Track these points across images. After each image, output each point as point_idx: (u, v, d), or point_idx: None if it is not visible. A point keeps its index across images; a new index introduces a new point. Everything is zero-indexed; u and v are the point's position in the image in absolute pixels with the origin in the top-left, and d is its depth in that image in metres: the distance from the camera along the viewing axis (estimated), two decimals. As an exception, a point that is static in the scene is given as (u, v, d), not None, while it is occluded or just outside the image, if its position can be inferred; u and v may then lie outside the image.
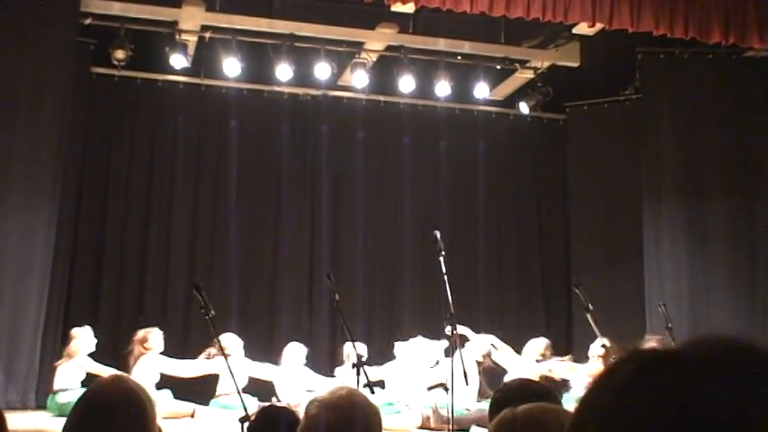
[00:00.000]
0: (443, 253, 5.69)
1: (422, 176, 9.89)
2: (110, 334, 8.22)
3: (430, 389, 7.75)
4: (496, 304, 9.73)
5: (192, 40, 8.59)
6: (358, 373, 5.09)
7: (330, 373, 8.10)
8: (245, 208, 9.28)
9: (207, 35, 8.56)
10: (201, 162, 9.34)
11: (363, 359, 5.72)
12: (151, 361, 7.54)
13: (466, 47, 8.97)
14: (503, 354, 7.91)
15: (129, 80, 9.03)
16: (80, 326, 7.63)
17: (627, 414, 0.70)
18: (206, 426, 7.19)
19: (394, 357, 8.01)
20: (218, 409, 7.39)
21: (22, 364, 7.59)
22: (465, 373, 5.90)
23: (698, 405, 0.68)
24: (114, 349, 7.87)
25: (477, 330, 7.95)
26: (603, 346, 7.06)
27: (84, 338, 7.50)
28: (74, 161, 8.45)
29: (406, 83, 8.88)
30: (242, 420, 4.66)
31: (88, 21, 8.24)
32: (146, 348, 7.58)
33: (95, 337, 7.60)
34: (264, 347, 8.63)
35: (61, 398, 7.04)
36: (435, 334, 7.73)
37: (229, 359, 6.20)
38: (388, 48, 9.01)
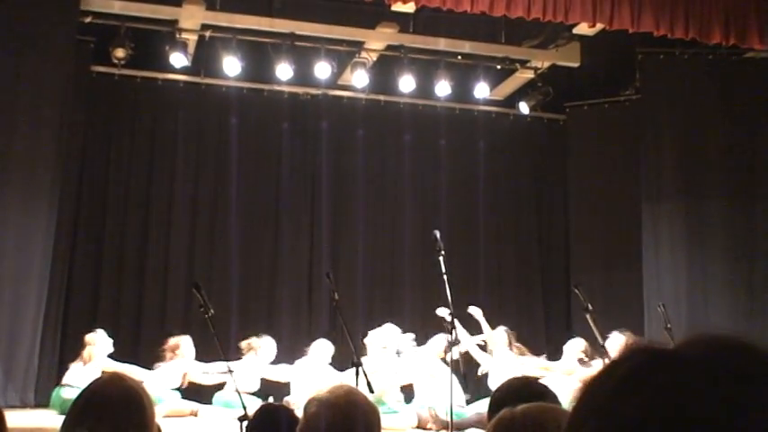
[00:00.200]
0: (443, 252, 5.70)
1: (422, 176, 9.89)
2: (109, 333, 8.20)
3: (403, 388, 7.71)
4: (496, 304, 9.71)
5: (192, 38, 8.60)
6: (357, 373, 5.09)
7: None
8: (245, 207, 9.28)
9: (207, 34, 8.56)
10: (201, 161, 9.34)
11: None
12: (179, 367, 7.62)
13: (466, 47, 8.98)
14: (476, 350, 7.85)
15: (129, 79, 9.03)
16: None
17: (624, 413, 0.70)
18: (208, 424, 7.20)
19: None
20: (221, 407, 7.40)
21: (21, 363, 7.60)
22: (464, 374, 5.89)
23: (695, 404, 0.68)
24: (114, 348, 7.86)
25: (476, 331, 7.95)
26: (584, 350, 7.17)
27: (99, 343, 7.54)
28: (73, 159, 8.45)
29: (407, 82, 8.88)
30: (241, 419, 4.66)
31: (88, 19, 8.24)
32: (177, 356, 7.67)
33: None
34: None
35: (66, 393, 7.06)
36: (435, 333, 7.73)
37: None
38: (389, 47, 9.02)
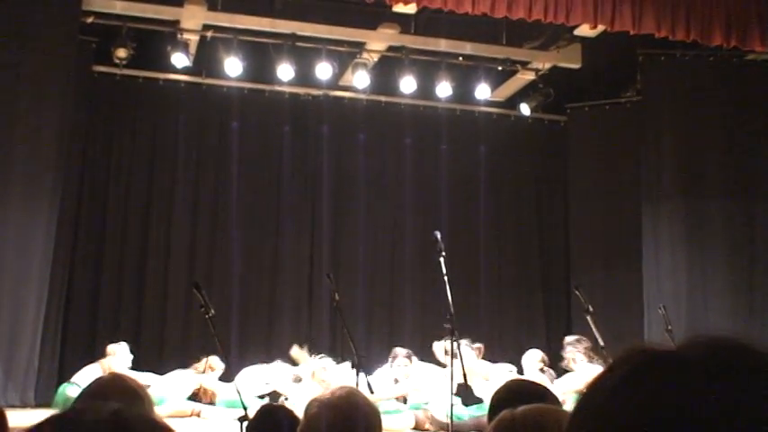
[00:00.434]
0: (444, 253, 5.69)
1: (422, 177, 9.89)
2: (110, 333, 8.22)
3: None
4: (496, 305, 9.73)
5: (193, 39, 8.60)
6: (357, 374, 5.09)
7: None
8: (246, 207, 9.28)
9: (208, 34, 8.56)
10: (202, 161, 9.34)
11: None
12: (203, 381, 7.66)
13: (467, 48, 8.98)
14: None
15: (131, 79, 9.04)
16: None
17: (624, 414, 0.71)
18: (210, 424, 7.20)
19: (394, 358, 7.95)
20: (223, 408, 7.41)
21: (21, 363, 7.59)
22: (465, 376, 5.86)
23: (694, 405, 0.69)
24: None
25: (476, 331, 7.94)
26: (543, 360, 7.19)
27: (120, 356, 7.56)
28: (74, 159, 8.45)
29: (408, 83, 8.88)
30: (241, 420, 4.65)
31: (90, 19, 8.25)
32: (208, 371, 7.70)
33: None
34: (264, 347, 8.63)
35: (71, 391, 7.07)
36: (435, 334, 7.72)
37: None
38: (390, 48, 9.02)
